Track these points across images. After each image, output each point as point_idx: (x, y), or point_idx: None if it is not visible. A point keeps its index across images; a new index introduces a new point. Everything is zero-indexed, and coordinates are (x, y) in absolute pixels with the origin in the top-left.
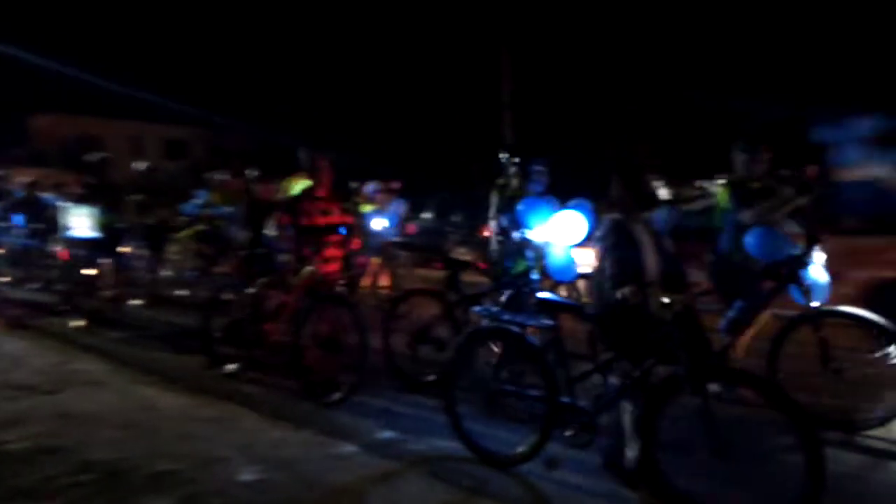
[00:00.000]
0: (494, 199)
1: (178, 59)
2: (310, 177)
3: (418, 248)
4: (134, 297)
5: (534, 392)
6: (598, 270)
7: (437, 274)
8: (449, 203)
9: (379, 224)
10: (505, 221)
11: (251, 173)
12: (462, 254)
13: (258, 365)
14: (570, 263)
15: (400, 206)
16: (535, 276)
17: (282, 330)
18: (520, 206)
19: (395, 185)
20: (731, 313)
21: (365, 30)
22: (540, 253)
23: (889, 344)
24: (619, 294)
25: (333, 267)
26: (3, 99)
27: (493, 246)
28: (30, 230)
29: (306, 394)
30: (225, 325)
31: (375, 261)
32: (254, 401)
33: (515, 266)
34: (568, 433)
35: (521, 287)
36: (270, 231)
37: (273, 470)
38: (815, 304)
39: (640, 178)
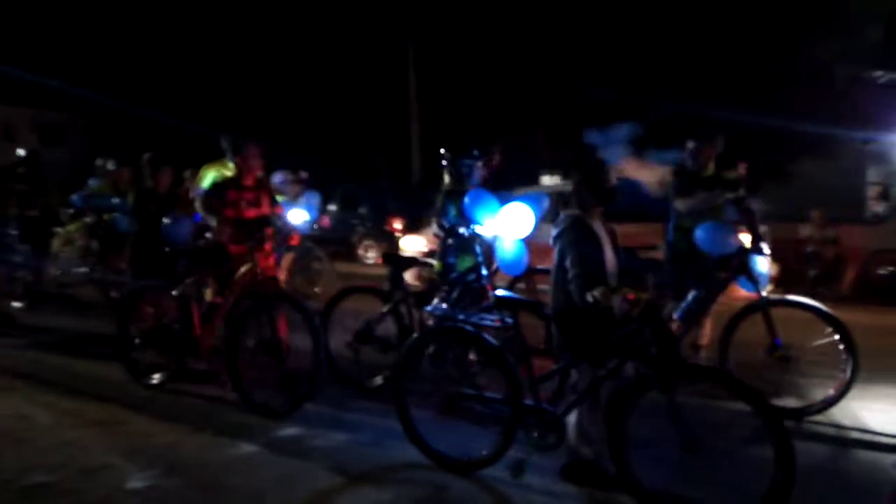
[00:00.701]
0: (438, 196)
1: (55, 37)
2: (237, 165)
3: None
4: (14, 298)
5: (494, 394)
6: (557, 268)
7: (352, 270)
8: (354, 195)
9: (298, 217)
10: (449, 217)
11: (144, 160)
12: (368, 246)
13: (188, 374)
14: (521, 257)
15: (314, 198)
16: (484, 271)
17: (216, 334)
18: (465, 201)
19: (304, 175)
20: (685, 304)
21: (270, 16)
22: (488, 247)
23: (833, 331)
24: (589, 296)
25: (269, 262)
26: None
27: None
28: None
29: (246, 406)
30: (146, 329)
31: (289, 257)
32: (143, 402)
33: (460, 262)
34: (532, 435)
35: (471, 283)
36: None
37: (165, 475)
38: (761, 293)
39: (598, 173)
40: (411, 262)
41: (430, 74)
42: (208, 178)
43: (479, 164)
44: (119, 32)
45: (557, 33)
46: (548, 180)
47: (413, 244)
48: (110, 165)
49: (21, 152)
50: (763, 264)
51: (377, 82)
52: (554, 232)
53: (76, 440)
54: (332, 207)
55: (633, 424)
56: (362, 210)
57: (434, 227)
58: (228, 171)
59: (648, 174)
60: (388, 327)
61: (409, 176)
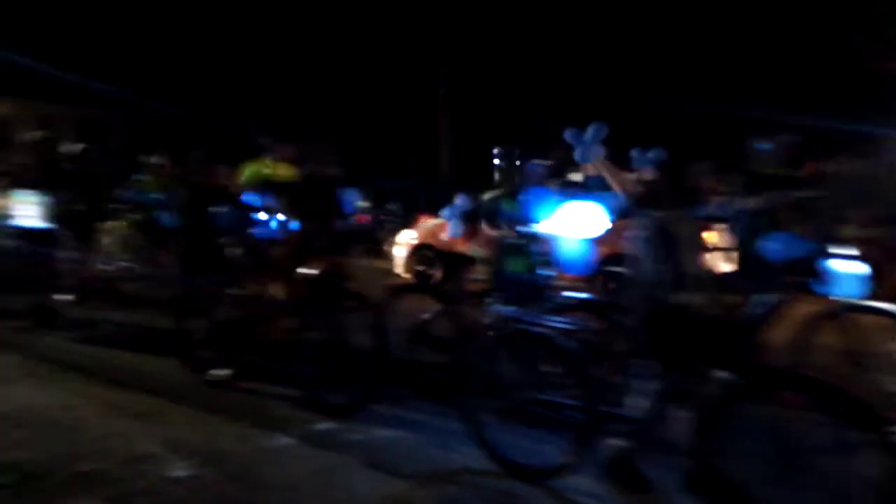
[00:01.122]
0: (489, 195)
1: (95, 37)
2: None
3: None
4: (62, 292)
5: (569, 400)
6: (640, 269)
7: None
8: (384, 192)
9: None
10: (505, 216)
11: (195, 156)
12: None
13: (252, 371)
14: (584, 257)
15: (351, 195)
16: (545, 272)
17: (281, 332)
18: (524, 199)
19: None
20: (757, 308)
21: (304, 17)
22: (548, 247)
23: None
24: (683, 299)
25: (333, 260)
26: None
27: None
28: None
29: (308, 404)
30: (209, 325)
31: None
32: (182, 395)
33: (516, 262)
34: (611, 444)
35: (528, 284)
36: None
37: (204, 466)
38: (839, 297)
39: (682, 171)
40: (467, 260)
41: (459, 70)
42: (248, 174)
43: (542, 162)
44: (158, 33)
45: (594, 29)
46: (576, 177)
47: (406, 236)
48: (155, 161)
49: (74, 148)
50: (847, 266)
51: (407, 79)
52: (635, 232)
53: (120, 430)
54: (364, 204)
55: (727, 436)
56: (391, 206)
57: (485, 226)
58: (268, 168)
59: (620, 175)
60: (444, 327)
61: (437, 172)
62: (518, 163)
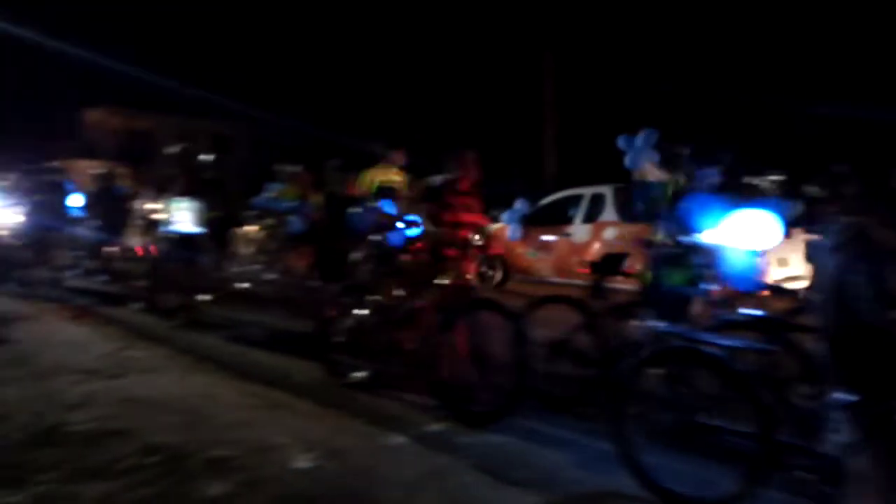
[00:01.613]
0: (644, 196)
1: (222, 56)
2: (458, 168)
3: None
4: (201, 293)
5: (737, 426)
6: (836, 285)
7: None
8: (487, 198)
9: None
10: (665, 223)
11: (333, 165)
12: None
13: (389, 377)
14: (753, 270)
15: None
16: (708, 285)
17: (419, 339)
18: (685, 205)
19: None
20: None
21: (412, 28)
22: (712, 258)
23: None
24: (887, 317)
25: (471, 268)
26: (57, 93)
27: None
28: (101, 223)
29: (446, 413)
30: (347, 329)
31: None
32: (306, 390)
33: (669, 275)
34: (792, 478)
35: (687, 298)
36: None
37: (326, 459)
38: None
39: (884, 173)
40: (617, 271)
41: (565, 77)
42: (369, 181)
43: (716, 169)
44: (279, 51)
45: (709, 28)
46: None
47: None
48: (291, 170)
49: (208, 158)
50: None
51: (512, 86)
52: (826, 242)
53: (250, 420)
54: None
55: None
56: (494, 213)
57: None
58: (392, 174)
59: (667, 178)
60: (587, 340)
61: (541, 179)
62: (679, 165)
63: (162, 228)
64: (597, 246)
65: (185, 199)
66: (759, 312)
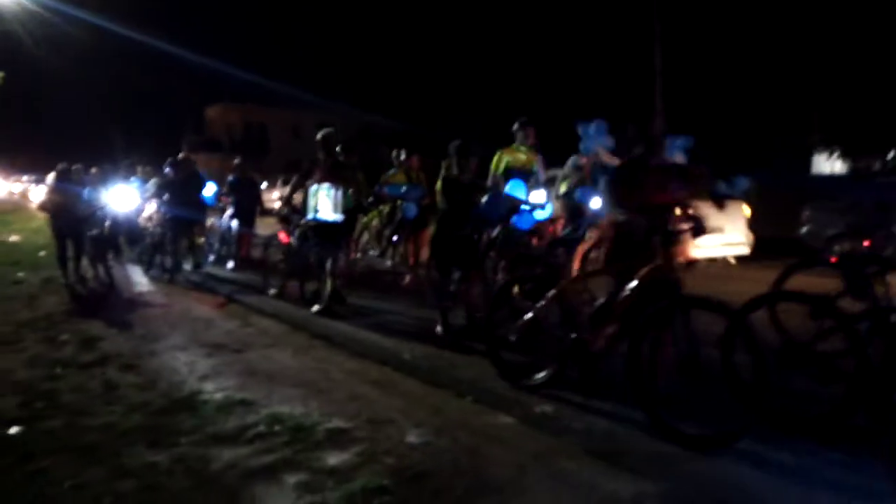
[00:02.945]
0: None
1: (329, 50)
2: (647, 146)
3: None
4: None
5: None
6: None
7: None
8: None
9: (598, 203)
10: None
11: (452, 148)
12: None
13: (570, 380)
14: None
15: None
16: None
17: (609, 340)
18: None
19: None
20: None
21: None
22: None
23: None
24: None
25: (686, 253)
26: (183, 93)
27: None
28: (235, 211)
29: (657, 430)
30: (520, 326)
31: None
32: (412, 367)
33: None
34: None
35: None
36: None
37: (435, 435)
38: None
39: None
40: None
41: (675, 50)
42: (503, 163)
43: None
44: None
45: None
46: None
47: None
48: (402, 156)
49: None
50: None
51: (620, 59)
52: None
53: (363, 395)
54: None
55: None
56: None
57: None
58: (522, 154)
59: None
60: (834, 346)
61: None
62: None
63: (306, 216)
64: None
65: (325, 185)
66: None
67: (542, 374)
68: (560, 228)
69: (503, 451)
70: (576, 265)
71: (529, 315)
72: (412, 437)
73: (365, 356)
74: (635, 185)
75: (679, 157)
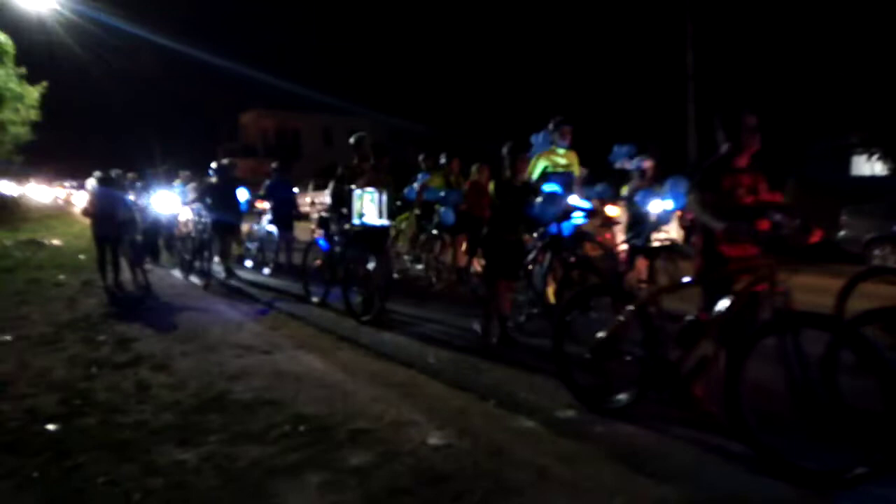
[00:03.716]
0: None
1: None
2: (733, 142)
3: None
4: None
5: None
6: None
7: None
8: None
9: (659, 207)
10: None
11: (505, 150)
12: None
13: (655, 404)
14: None
15: (680, 184)
16: None
17: (702, 362)
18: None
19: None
20: None
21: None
22: None
23: None
24: None
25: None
26: (218, 100)
27: None
28: (273, 216)
29: (766, 464)
30: (596, 344)
31: (644, 261)
32: (436, 370)
33: None
34: None
35: None
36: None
37: (457, 437)
38: None
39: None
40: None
41: (708, 54)
42: (539, 167)
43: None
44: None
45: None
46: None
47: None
48: (442, 159)
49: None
50: None
51: (652, 64)
52: None
53: (385, 397)
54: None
55: None
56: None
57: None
58: (560, 157)
59: None
60: None
61: (684, 158)
62: None
63: (351, 221)
64: None
65: (369, 190)
66: None
67: (623, 396)
68: (614, 236)
69: (525, 455)
70: (642, 275)
71: (606, 332)
72: (434, 439)
73: (390, 359)
74: (722, 188)
75: (627, 164)
